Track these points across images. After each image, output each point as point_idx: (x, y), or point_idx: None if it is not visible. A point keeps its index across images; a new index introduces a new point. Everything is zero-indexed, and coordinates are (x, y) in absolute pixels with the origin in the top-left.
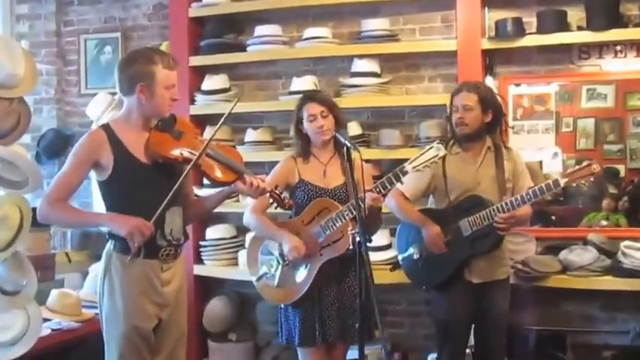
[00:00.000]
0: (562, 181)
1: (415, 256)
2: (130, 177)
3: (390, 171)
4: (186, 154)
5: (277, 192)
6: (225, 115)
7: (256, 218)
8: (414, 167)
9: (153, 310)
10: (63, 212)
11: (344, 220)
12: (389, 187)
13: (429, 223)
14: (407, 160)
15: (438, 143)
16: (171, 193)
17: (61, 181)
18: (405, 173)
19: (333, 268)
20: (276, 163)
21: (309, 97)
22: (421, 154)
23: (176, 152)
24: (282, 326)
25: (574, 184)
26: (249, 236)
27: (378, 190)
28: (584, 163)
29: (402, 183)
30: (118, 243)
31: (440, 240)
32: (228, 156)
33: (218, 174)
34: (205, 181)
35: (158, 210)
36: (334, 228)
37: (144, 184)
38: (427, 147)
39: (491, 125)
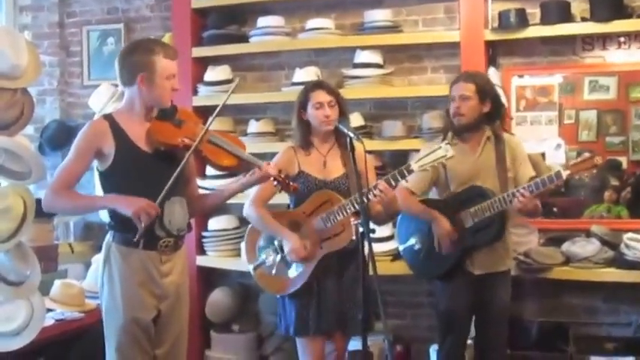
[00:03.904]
0: (564, 173)
1: (416, 247)
2: (132, 166)
3: (392, 162)
4: (187, 141)
5: (282, 176)
6: (225, 98)
7: (257, 213)
8: (420, 166)
9: (151, 301)
10: (67, 198)
11: (346, 214)
12: (394, 183)
13: (439, 218)
14: (409, 151)
15: (446, 144)
16: (173, 177)
17: (64, 170)
18: (410, 172)
19: (332, 260)
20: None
21: (318, 84)
22: (428, 154)
23: (177, 139)
24: (281, 316)
25: (576, 177)
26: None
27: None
28: (587, 156)
29: (406, 181)
30: (118, 234)
31: (451, 238)
32: (229, 141)
33: (220, 159)
34: (208, 172)
35: (162, 192)
36: (335, 221)
37: (145, 173)
38: (435, 146)
39: (490, 116)
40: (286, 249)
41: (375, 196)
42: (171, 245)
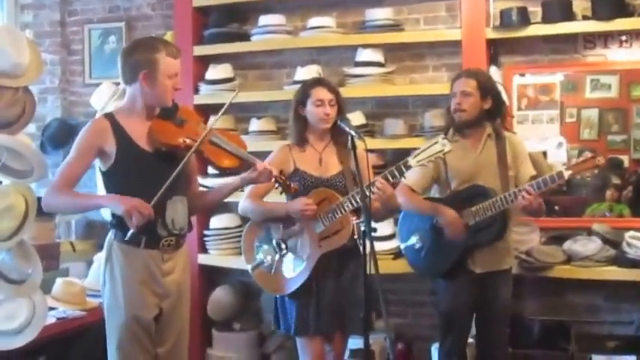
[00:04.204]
0: (566, 174)
1: (417, 246)
2: (133, 165)
3: (394, 161)
4: (188, 141)
5: (283, 177)
6: (225, 107)
7: (253, 202)
8: (418, 162)
9: (153, 300)
10: (65, 198)
11: (344, 212)
12: (391, 180)
13: (443, 209)
14: (411, 150)
15: (443, 138)
16: (171, 178)
17: (65, 170)
18: (408, 168)
19: (331, 260)
20: None
21: (319, 81)
22: (425, 149)
23: (179, 140)
24: (279, 316)
25: (578, 177)
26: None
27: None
28: (589, 155)
29: (404, 178)
30: (120, 232)
31: (459, 225)
32: (231, 142)
33: (222, 160)
34: (209, 170)
35: (158, 193)
36: (334, 219)
37: (147, 172)
38: (432, 141)
39: (491, 112)
40: (295, 214)
41: (372, 193)
42: (173, 244)
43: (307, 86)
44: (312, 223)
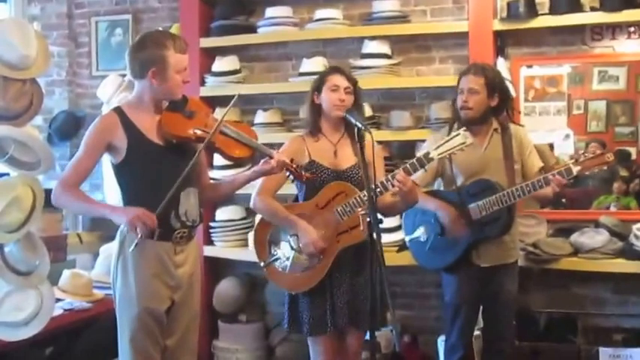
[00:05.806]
0: (575, 170)
1: (422, 239)
2: (144, 159)
3: (399, 153)
4: (199, 132)
5: (294, 165)
6: (230, 104)
7: (267, 204)
8: (439, 154)
9: (165, 292)
10: (73, 199)
11: (363, 206)
12: (412, 173)
13: (444, 207)
14: (417, 142)
15: (465, 131)
16: (185, 172)
17: (75, 166)
18: (430, 160)
19: (348, 254)
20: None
21: (337, 69)
22: (447, 141)
23: (189, 131)
24: (289, 314)
25: (587, 173)
26: (258, 217)
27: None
28: (598, 152)
29: (425, 170)
30: None
31: (459, 222)
32: (241, 131)
33: (233, 150)
34: (216, 162)
35: (166, 198)
36: (352, 213)
37: (158, 165)
38: (453, 133)
39: (497, 109)
40: (302, 241)
41: (393, 186)
42: (185, 236)
43: (325, 73)
44: (330, 217)
